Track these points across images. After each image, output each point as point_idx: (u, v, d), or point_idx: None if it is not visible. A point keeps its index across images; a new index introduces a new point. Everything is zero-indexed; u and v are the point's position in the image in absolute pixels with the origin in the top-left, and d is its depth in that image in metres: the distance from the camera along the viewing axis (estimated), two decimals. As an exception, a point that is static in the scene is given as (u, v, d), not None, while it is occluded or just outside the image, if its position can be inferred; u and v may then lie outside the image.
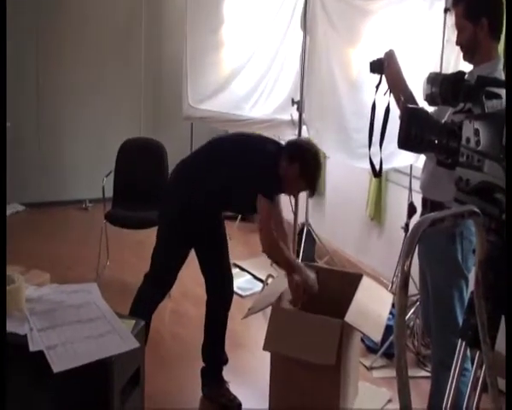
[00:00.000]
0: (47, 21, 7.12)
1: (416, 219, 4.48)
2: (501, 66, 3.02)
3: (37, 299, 2.70)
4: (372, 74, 3.30)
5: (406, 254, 1.33)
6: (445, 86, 2.00)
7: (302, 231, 5.75)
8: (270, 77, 5.46)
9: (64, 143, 7.40)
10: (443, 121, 1.99)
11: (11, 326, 2.41)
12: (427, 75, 2.11)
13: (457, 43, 3.11)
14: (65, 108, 7.33)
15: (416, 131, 1.98)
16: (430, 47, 4.46)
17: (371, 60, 3.26)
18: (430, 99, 2.08)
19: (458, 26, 3.04)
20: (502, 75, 2.96)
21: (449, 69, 4.44)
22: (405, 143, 2.05)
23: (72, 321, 2.54)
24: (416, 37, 4.54)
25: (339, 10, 4.80)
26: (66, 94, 7.30)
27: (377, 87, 3.30)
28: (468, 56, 3.09)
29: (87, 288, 2.87)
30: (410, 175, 4.79)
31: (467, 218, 1.61)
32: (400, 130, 2.04)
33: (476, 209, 1.59)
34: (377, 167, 3.50)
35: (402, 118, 2.05)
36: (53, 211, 7.20)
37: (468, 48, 3.03)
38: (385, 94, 3.28)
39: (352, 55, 4.83)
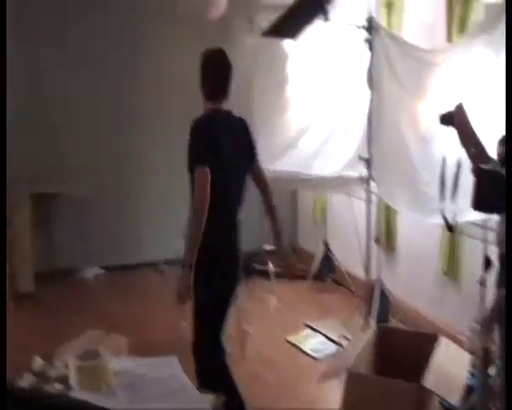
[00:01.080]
0: (124, 91, 7.35)
1: (492, 273, 4.33)
2: None
3: (121, 372, 2.69)
4: (442, 127, 3.25)
5: (487, 332, 1.27)
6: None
7: (374, 288, 5.64)
8: (338, 134, 5.43)
9: (140, 205, 7.56)
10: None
11: (99, 400, 2.40)
12: (500, 137, 2.06)
13: None
14: (139, 172, 7.52)
15: (490, 194, 1.93)
16: (499, 96, 4.37)
17: (441, 113, 3.21)
18: (504, 160, 2.02)
19: None
20: None
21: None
22: (480, 205, 2.00)
23: (155, 396, 2.52)
24: (484, 86, 4.46)
25: (404, 65, 4.78)
26: (138, 159, 7.48)
27: (448, 140, 3.25)
28: None
29: (168, 361, 2.86)
30: (485, 228, 4.65)
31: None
32: (474, 192, 1.98)
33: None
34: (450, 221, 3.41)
35: (476, 180, 2.00)
36: (130, 274, 7.29)
37: None
38: (456, 147, 3.22)
39: (420, 108, 4.77)
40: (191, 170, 3.59)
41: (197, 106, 3.81)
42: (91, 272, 7.18)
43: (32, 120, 6.84)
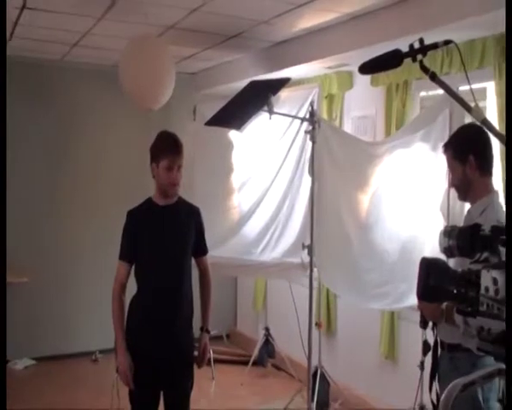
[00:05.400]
0: (59, 174, 7.29)
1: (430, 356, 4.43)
2: (496, 197, 3.16)
3: None
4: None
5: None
6: (462, 238, 2.05)
7: (316, 373, 5.67)
8: (279, 221, 5.54)
9: (72, 295, 7.37)
10: (460, 270, 2.02)
11: None
12: (443, 228, 2.17)
13: (452, 185, 3.31)
14: (73, 261, 7.37)
15: (434, 282, 2.01)
16: (437, 186, 4.59)
17: None
18: (448, 251, 2.12)
19: (450, 168, 3.27)
20: (498, 207, 3.09)
21: (456, 207, 4.55)
22: (424, 293, 2.07)
23: None
24: (422, 177, 4.67)
25: (346, 155, 4.94)
26: (74, 248, 7.36)
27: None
28: (462, 196, 3.29)
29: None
30: (423, 313, 4.76)
31: (496, 377, 1.61)
32: (419, 281, 2.06)
33: (504, 367, 1.59)
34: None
35: (420, 269, 2.08)
36: (62, 364, 7.08)
37: (461, 187, 3.23)
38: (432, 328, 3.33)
39: (361, 197, 4.93)
40: None
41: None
42: (21, 363, 6.95)
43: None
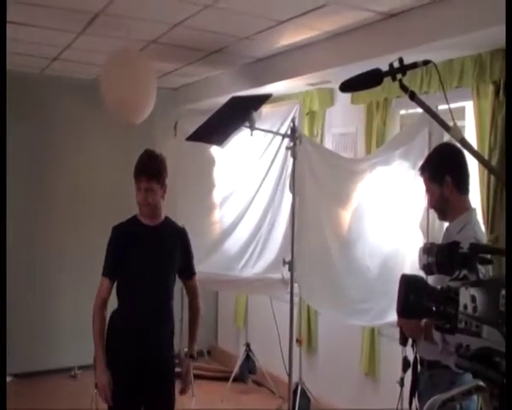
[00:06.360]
0: (40, 189, 7.23)
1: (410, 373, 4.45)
2: (474, 215, 3.22)
3: None
4: None
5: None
6: (441, 256, 2.07)
7: (296, 389, 5.66)
8: (261, 237, 5.54)
9: (51, 310, 7.30)
10: (439, 287, 2.04)
11: None
12: (422, 245, 2.19)
13: (430, 206, 3.35)
14: (53, 276, 7.28)
15: (413, 299, 2.02)
16: (416, 203, 4.62)
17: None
18: (427, 269, 2.14)
19: (427, 190, 3.32)
20: (475, 224, 3.14)
21: (435, 224, 4.59)
22: (404, 310, 2.08)
23: None
24: (402, 195, 4.70)
25: (327, 172, 4.96)
26: (53, 263, 7.28)
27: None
28: (441, 216, 3.33)
29: None
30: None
31: (474, 394, 1.62)
32: (398, 298, 2.07)
33: (482, 384, 1.61)
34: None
35: (400, 286, 2.09)
36: (41, 381, 6.98)
37: (440, 208, 3.28)
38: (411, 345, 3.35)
39: (342, 213, 4.95)
40: None
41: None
42: (-2, 380, 6.83)
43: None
